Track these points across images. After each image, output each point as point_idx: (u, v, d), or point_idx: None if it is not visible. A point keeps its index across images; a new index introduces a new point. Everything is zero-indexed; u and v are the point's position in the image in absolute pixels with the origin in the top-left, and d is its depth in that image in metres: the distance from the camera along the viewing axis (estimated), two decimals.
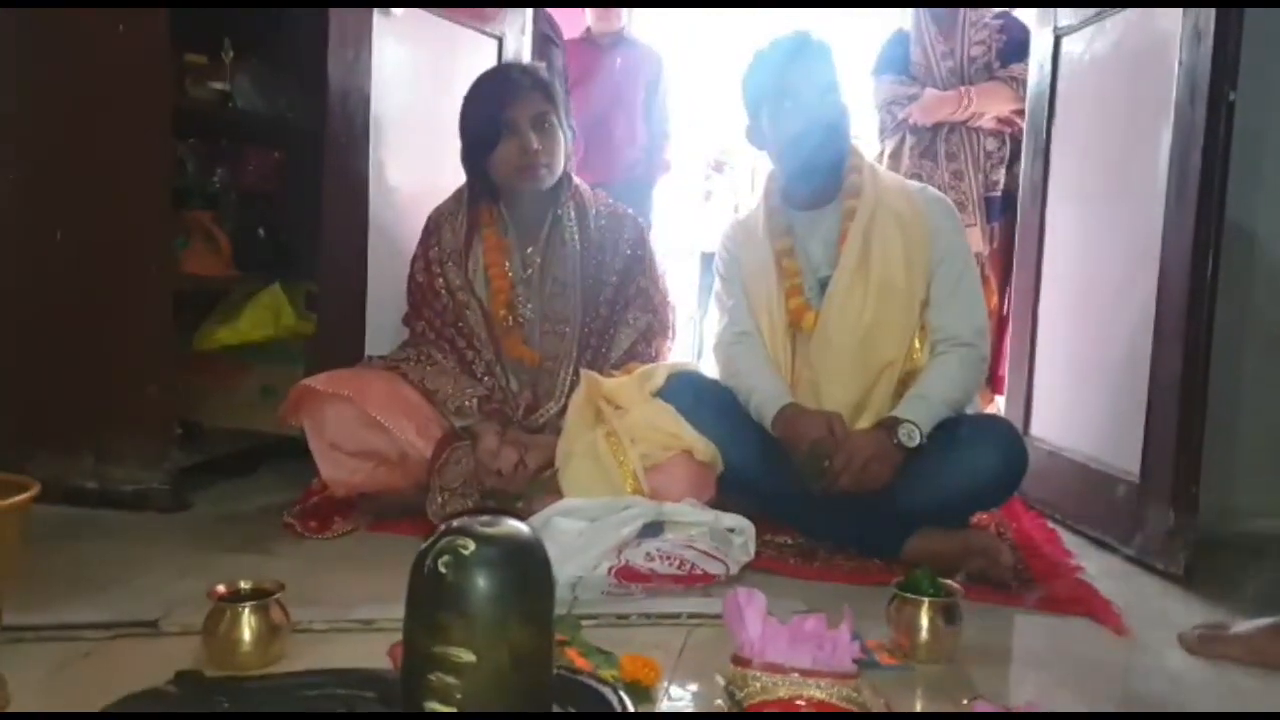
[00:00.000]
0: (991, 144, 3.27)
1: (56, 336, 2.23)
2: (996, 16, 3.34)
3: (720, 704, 1.08)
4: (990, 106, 3.23)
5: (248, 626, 1.38)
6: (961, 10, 3.28)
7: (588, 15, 4.17)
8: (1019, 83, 3.15)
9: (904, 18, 3.46)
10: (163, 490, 2.21)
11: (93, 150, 2.19)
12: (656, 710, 1.32)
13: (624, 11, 4.23)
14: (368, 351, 2.36)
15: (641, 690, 1.32)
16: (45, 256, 2.22)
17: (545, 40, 3.58)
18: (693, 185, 6.28)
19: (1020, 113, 3.22)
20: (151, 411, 2.23)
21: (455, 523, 1.06)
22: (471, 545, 1.02)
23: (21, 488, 1.21)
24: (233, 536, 2.08)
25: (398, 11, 2.42)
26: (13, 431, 2.24)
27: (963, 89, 3.23)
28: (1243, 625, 1.62)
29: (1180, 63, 2.04)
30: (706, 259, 5.84)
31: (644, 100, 4.18)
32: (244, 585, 1.44)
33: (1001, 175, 3.27)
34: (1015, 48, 3.24)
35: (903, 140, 3.32)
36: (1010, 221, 3.24)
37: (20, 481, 1.23)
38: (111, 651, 1.46)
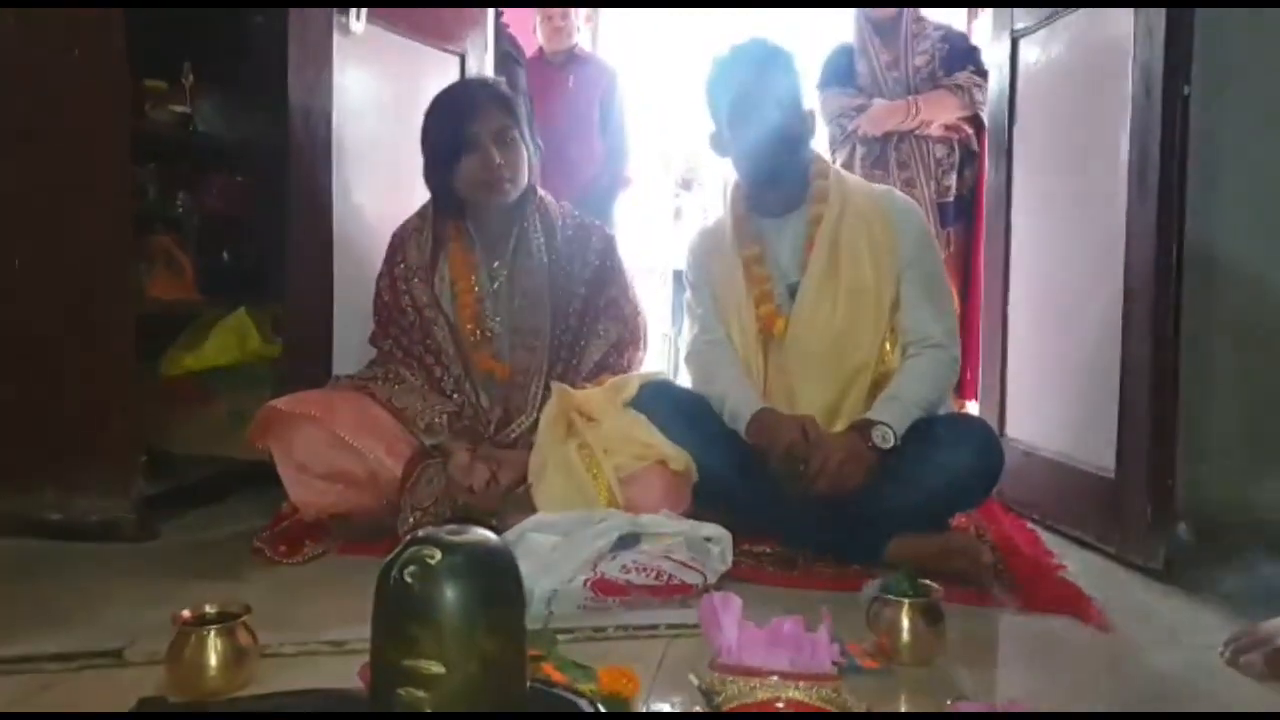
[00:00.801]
0: (941, 151, 3.31)
1: (16, 365, 2.19)
2: (938, 27, 3.41)
3: (699, 709, 1.06)
4: (938, 114, 3.27)
5: (214, 651, 1.33)
6: (904, 22, 3.33)
7: (539, 35, 4.18)
8: (964, 90, 3.24)
9: (846, 31, 3.50)
10: (129, 519, 2.17)
11: (50, 176, 2.16)
12: None
13: (575, 28, 4.21)
14: (335, 372, 2.33)
15: (620, 703, 1.29)
16: (4, 285, 2.17)
17: (507, 58, 3.58)
18: (661, 203, 6.29)
19: (968, 119, 3.29)
20: (116, 439, 2.19)
21: (421, 532, 1.04)
22: (438, 554, 1.00)
23: None
24: (202, 564, 2.03)
25: (358, 29, 2.41)
26: None
27: (910, 98, 3.27)
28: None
29: (1134, 59, 2.06)
30: (679, 276, 5.86)
31: (600, 116, 4.19)
32: (209, 609, 1.40)
33: (953, 181, 3.31)
34: (958, 56, 3.32)
35: (853, 151, 3.36)
36: (964, 227, 3.31)
37: None
38: (74, 684, 1.41)
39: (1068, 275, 2.38)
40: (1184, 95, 1.96)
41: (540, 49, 4.16)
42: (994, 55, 2.74)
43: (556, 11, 4.13)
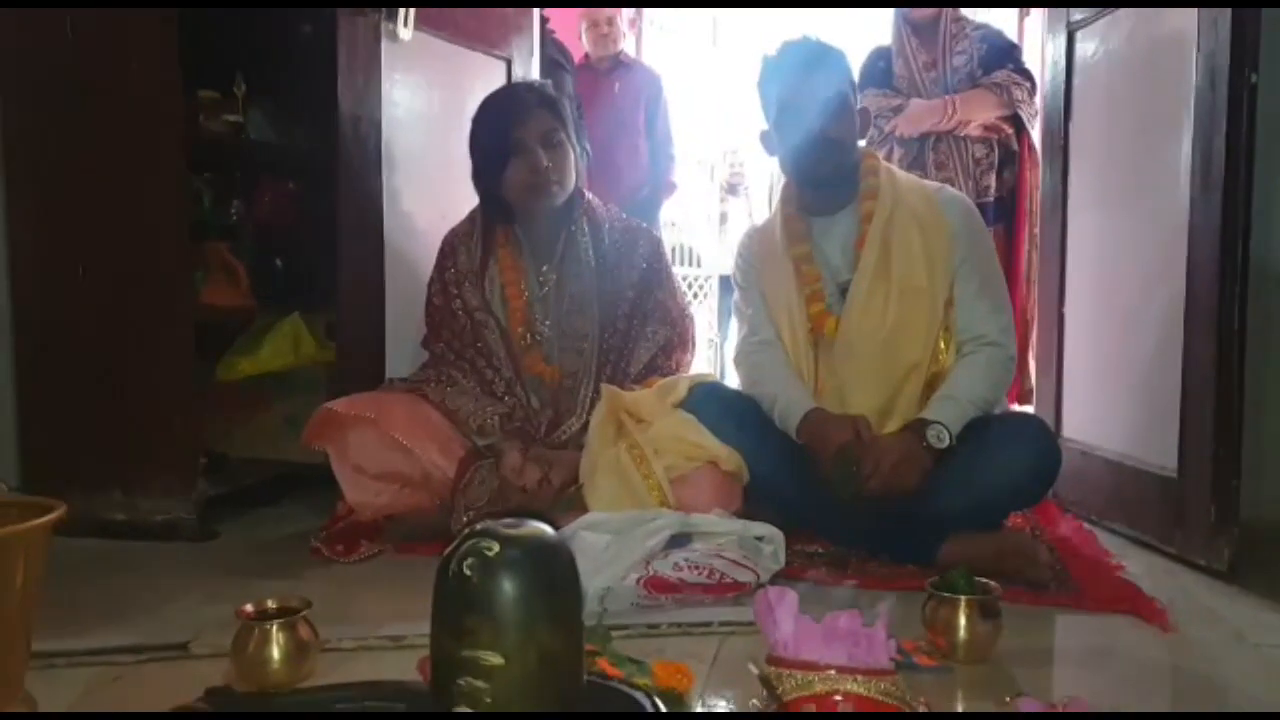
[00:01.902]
0: (980, 150, 3.27)
1: (81, 372, 2.24)
2: (977, 27, 3.37)
3: (755, 704, 1.05)
4: (976, 114, 3.23)
5: (276, 644, 1.36)
6: (943, 22, 3.30)
7: (584, 42, 4.20)
8: (1003, 88, 3.19)
9: (884, 34, 3.48)
10: (190, 520, 2.22)
11: (111, 186, 2.21)
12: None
13: (620, 34, 4.24)
14: (388, 375, 2.36)
15: (675, 697, 1.29)
16: (69, 292, 2.24)
17: (555, 65, 3.60)
18: (707, 209, 6.29)
19: (1006, 119, 3.24)
20: (177, 443, 2.24)
21: (479, 525, 1.05)
22: (496, 547, 1.01)
23: (47, 509, 1.21)
24: (261, 563, 2.08)
25: (405, 36, 2.44)
26: (42, 467, 2.26)
27: (947, 98, 3.24)
28: None
29: (1198, 48, 2.01)
30: (725, 282, 5.84)
31: (644, 122, 4.20)
32: (271, 604, 1.43)
33: (992, 181, 3.26)
34: (997, 55, 3.27)
35: (890, 152, 3.33)
36: (1004, 228, 3.25)
37: (47, 504, 1.22)
38: (141, 675, 1.45)
39: (1127, 273, 2.33)
40: (1251, 84, 1.91)
41: (586, 55, 4.19)
42: (1050, 50, 2.70)
43: (602, 17, 4.16)
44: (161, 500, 2.22)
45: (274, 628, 1.37)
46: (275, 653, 1.36)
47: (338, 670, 1.42)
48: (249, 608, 1.41)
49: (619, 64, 4.21)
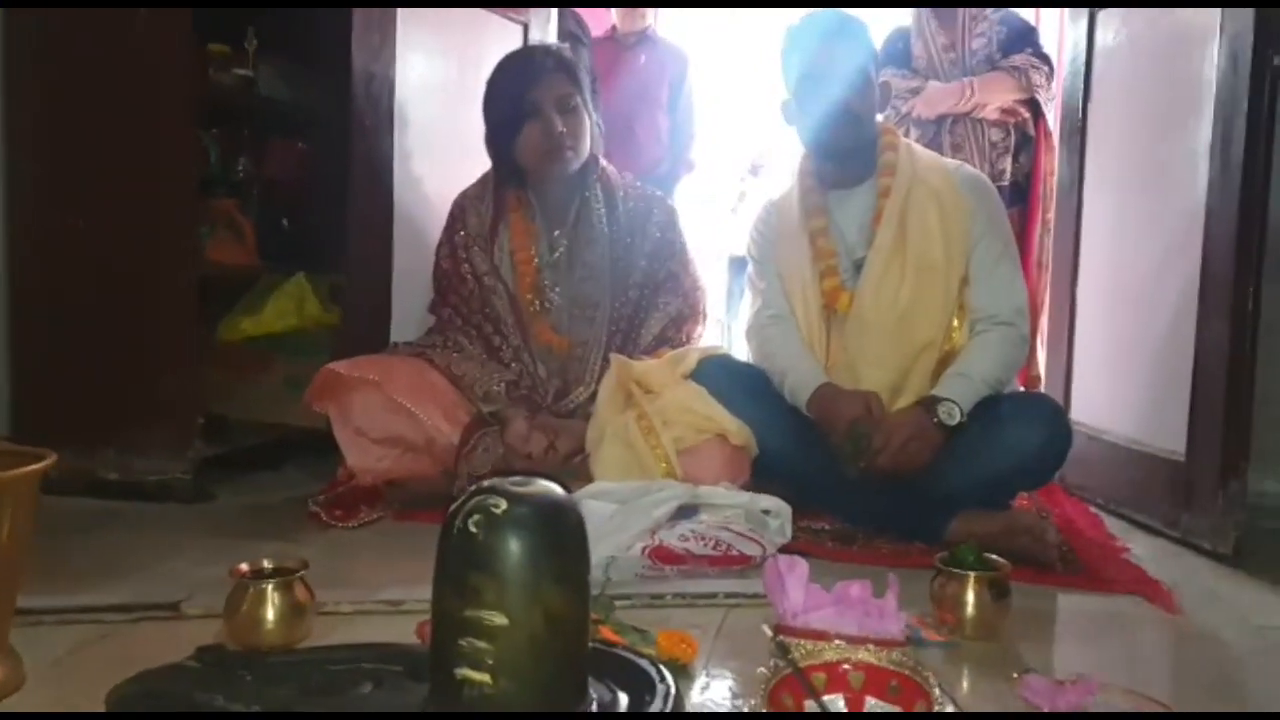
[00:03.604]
0: (996, 134, 3.24)
1: (78, 327, 2.20)
2: (996, 10, 3.33)
3: (763, 672, 1.03)
4: (993, 97, 3.20)
5: (271, 604, 1.33)
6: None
7: (614, 14, 4.16)
8: (1021, 72, 3.16)
9: (905, 14, 3.45)
10: (185, 481, 2.18)
11: (114, 139, 2.17)
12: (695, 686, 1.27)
13: (650, 11, 4.21)
14: (393, 339, 2.33)
15: (679, 667, 1.27)
16: (67, 246, 2.19)
17: (572, 39, 3.57)
18: (726, 188, 6.25)
19: (1024, 102, 3.21)
20: (175, 402, 2.20)
21: (486, 482, 1.02)
22: (503, 504, 0.98)
23: (37, 458, 1.17)
24: (258, 525, 2.05)
25: None
26: (34, 422, 2.21)
27: (965, 80, 3.21)
28: None
29: (1221, 30, 1.98)
30: (735, 263, 5.80)
31: (668, 99, 4.16)
32: (267, 564, 1.40)
33: (1008, 165, 3.24)
34: (1015, 38, 3.25)
35: (907, 133, 3.29)
36: (1020, 212, 3.22)
37: (36, 452, 1.19)
38: (131, 634, 1.42)
39: (1142, 256, 2.30)
40: (1274, 66, 1.88)
41: (613, 27, 4.15)
42: (1070, 33, 2.66)
43: None
44: (156, 460, 2.18)
45: (269, 587, 1.34)
46: (270, 613, 1.33)
47: (334, 633, 1.39)
48: (244, 567, 1.39)
49: (646, 38, 4.17)
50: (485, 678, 0.96)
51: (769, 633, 1.09)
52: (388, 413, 2.06)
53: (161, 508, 2.13)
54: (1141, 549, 2.00)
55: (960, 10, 3.27)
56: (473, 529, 0.98)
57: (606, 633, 1.31)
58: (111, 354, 2.20)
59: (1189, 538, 2.03)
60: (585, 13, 3.87)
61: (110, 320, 2.20)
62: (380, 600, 1.54)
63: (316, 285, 2.61)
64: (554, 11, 2.99)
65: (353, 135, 2.33)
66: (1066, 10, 2.73)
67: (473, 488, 1.02)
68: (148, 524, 2.02)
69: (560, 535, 1.00)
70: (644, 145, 4.06)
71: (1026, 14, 3.80)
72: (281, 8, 2.63)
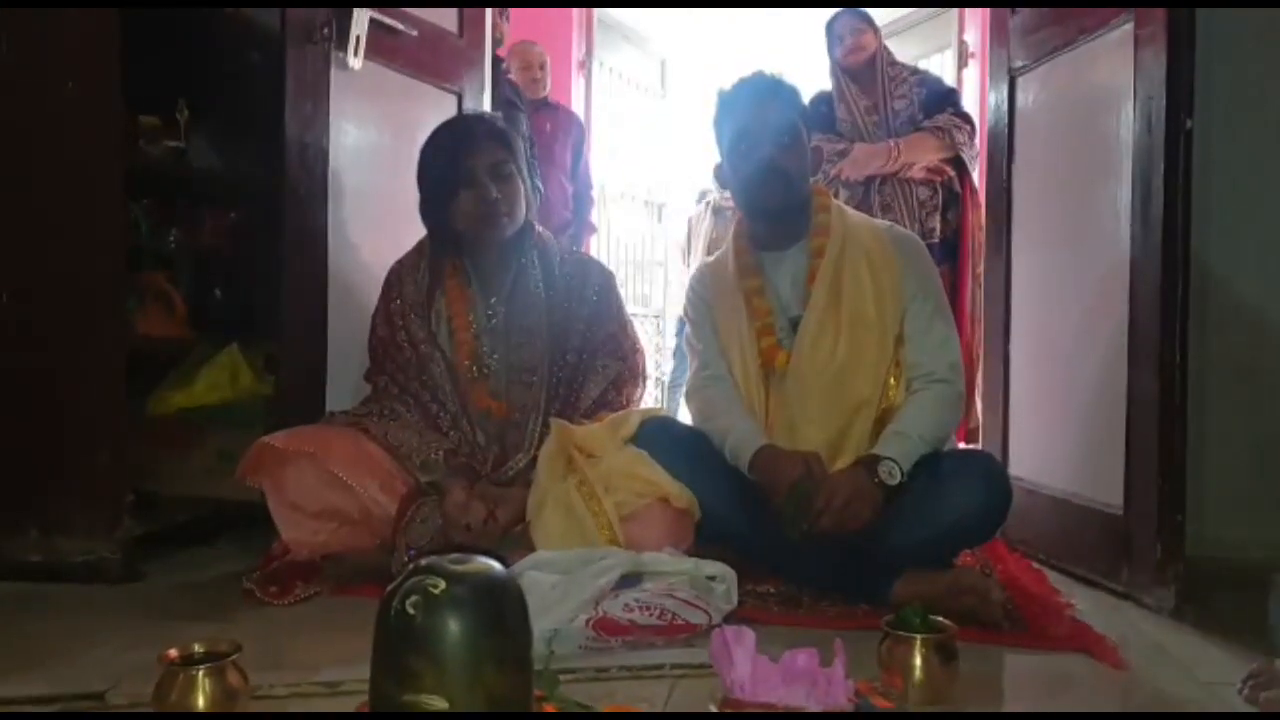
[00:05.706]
0: (924, 193, 3.34)
1: (1, 402, 2.13)
2: (914, 71, 3.48)
3: None
4: (919, 156, 3.30)
5: (202, 692, 1.28)
6: (878, 67, 3.38)
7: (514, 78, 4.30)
8: (945, 131, 3.28)
9: (824, 79, 3.55)
10: (113, 560, 2.10)
11: (41, 210, 2.12)
12: None
13: (549, 81, 4.48)
14: (328, 409, 2.29)
15: None
16: None
17: (508, 105, 3.63)
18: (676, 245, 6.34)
19: (949, 161, 3.30)
20: (102, 479, 2.13)
21: (424, 560, 1.00)
22: (441, 584, 0.96)
23: None
24: (189, 605, 1.98)
25: (355, 65, 2.40)
26: None
27: (891, 141, 3.30)
28: None
29: (1135, 94, 2.06)
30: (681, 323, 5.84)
31: (570, 164, 4.40)
32: (198, 648, 1.35)
33: (937, 222, 3.32)
34: (937, 99, 3.38)
35: (836, 195, 3.36)
36: (950, 269, 3.30)
37: None
38: None
39: (1070, 311, 2.36)
40: (1186, 129, 1.96)
41: None
42: (992, 96, 2.74)
43: (535, 63, 4.37)
44: (83, 540, 2.10)
45: (200, 673, 1.29)
46: (200, 701, 1.28)
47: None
48: (173, 652, 1.33)
49: (547, 105, 4.43)
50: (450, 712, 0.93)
51: (714, 709, 1.07)
52: (323, 486, 2.01)
53: (88, 589, 2.05)
54: (1085, 603, 2.01)
55: (879, 73, 3.37)
56: (410, 610, 0.95)
57: (551, 709, 1.28)
58: (36, 430, 2.13)
59: (1130, 591, 2.05)
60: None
61: (35, 395, 2.13)
62: (317, 682, 1.49)
63: (250, 356, 2.55)
64: (487, 79, 3.01)
65: (287, 204, 2.31)
66: (989, 73, 2.81)
67: (410, 566, 1.00)
68: (73, 608, 1.95)
69: (500, 614, 0.98)
70: (554, 209, 4.22)
71: (946, 78, 3.95)
72: (215, 68, 2.61)
